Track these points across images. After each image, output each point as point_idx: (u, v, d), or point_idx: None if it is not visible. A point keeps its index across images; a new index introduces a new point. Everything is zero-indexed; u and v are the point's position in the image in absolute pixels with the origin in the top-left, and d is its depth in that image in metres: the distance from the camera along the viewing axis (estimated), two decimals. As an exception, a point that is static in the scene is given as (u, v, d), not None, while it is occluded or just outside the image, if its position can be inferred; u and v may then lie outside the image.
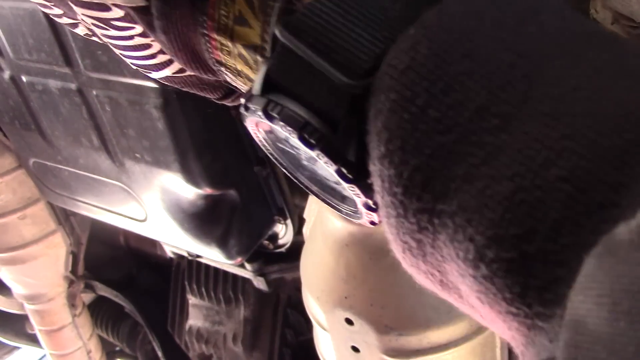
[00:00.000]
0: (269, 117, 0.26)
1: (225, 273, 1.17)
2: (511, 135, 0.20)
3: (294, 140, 0.25)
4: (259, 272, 1.04)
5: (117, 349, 1.56)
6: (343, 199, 0.31)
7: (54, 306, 1.28)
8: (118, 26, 0.32)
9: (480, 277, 0.19)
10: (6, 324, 1.56)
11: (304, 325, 1.17)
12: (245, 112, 0.28)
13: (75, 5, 0.32)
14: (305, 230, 0.81)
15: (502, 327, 0.21)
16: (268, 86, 0.26)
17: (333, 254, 0.64)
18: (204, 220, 0.81)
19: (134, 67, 0.36)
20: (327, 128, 0.24)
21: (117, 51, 0.35)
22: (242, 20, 0.29)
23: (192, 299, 1.24)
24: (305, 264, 0.72)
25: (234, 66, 0.31)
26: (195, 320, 1.24)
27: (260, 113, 0.26)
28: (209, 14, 0.29)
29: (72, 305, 1.31)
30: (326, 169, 0.26)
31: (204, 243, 0.84)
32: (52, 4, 0.34)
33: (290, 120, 0.25)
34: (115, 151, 0.77)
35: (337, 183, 0.27)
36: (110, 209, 0.92)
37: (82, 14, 0.32)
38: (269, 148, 0.31)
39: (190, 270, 1.22)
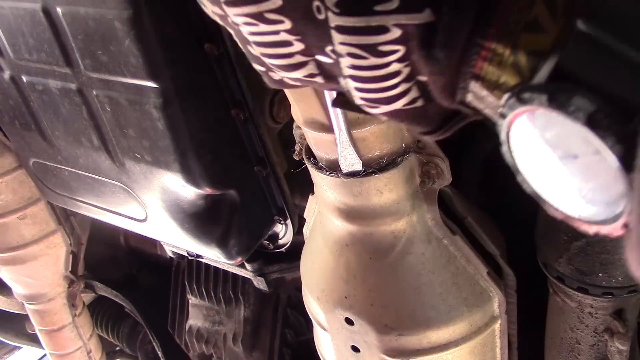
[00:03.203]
0: (556, 103, 0.26)
1: (225, 273, 1.17)
2: None
3: (577, 128, 0.26)
4: (259, 272, 1.04)
5: (117, 349, 1.57)
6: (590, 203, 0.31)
7: (54, 306, 1.28)
8: (382, 51, 0.32)
9: None
10: (6, 324, 1.57)
11: (304, 325, 1.17)
12: (517, 104, 0.28)
13: (341, 32, 0.31)
14: (305, 230, 0.81)
15: None
16: (552, 78, 0.27)
17: (333, 254, 0.64)
18: (204, 220, 0.81)
19: (361, 101, 0.36)
20: (620, 116, 0.25)
21: (352, 84, 0.35)
22: (536, 25, 0.29)
23: (192, 299, 1.24)
24: (305, 264, 0.72)
25: (495, 78, 0.31)
26: (195, 320, 1.24)
27: (544, 99, 0.27)
28: (495, 22, 0.30)
29: (72, 305, 1.31)
30: (602, 161, 0.26)
31: (204, 243, 0.84)
32: (297, 37, 0.33)
33: (580, 105, 0.26)
34: (115, 151, 0.77)
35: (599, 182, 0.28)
36: (111, 209, 0.92)
37: (342, 43, 0.32)
38: (513, 149, 0.31)
39: (190, 270, 1.22)
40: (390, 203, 0.58)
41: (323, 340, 0.74)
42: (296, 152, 0.66)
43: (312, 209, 0.75)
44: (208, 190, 0.76)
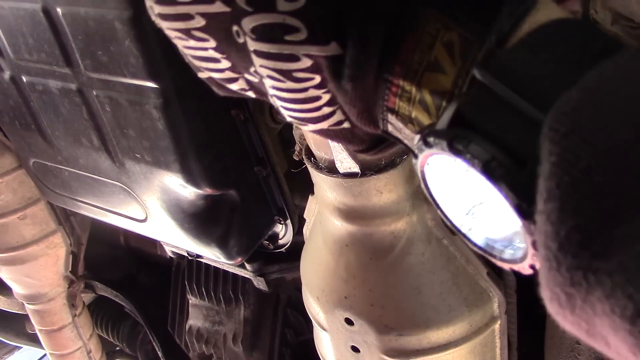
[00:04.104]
0: (454, 150, 0.27)
1: (225, 273, 1.17)
2: None
3: (474, 174, 0.27)
4: (259, 272, 1.04)
5: (117, 349, 1.56)
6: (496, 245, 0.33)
7: (54, 306, 1.28)
8: (298, 77, 0.32)
9: (637, 333, 0.20)
10: (6, 324, 1.57)
11: (304, 325, 1.17)
12: (423, 147, 0.29)
13: (259, 57, 0.32)
14: (305, 230, 0.81)
15: None
16: (454, 122, 0.28)
17: (333, 254, 0.64)
18: (204, 220, 0.81)
19: (289, 119, 0.37)
20: (515, 165, 0.26)
21: (278, 102, 0.35)
22: (437, 66, 0.30)
23: (192, 299, 1.24)
24: (305, 264, 0.72)
25: (407, 113, 0.32)
26: (195, 320, 1.24)
27: (444, 145, 0.28)
28: (400, 60, 0.31)
29: (72, 305, 1.31)
30: (501, 205, 0.27)
31: (204, 243, 0.84)
32: (224, 56, 0.34)
33: (476, 153, 0.27)
34: (115, 151, 0.77)
35: (505, 224, 0.29)
36: (111, 209, 0.92)
37: (261, 66, 0.33)
38: (431, 186, 0.32)
39: (190, 270, 1.22)
40: (390, 203, 0.58)
41: (323, 340, 0.74)
42: (296, 152, 0.66)
43: (312, 209, 0.75)
44: (208, 190, 0.76)
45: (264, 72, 0.33)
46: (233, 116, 0.75)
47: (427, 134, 0.29)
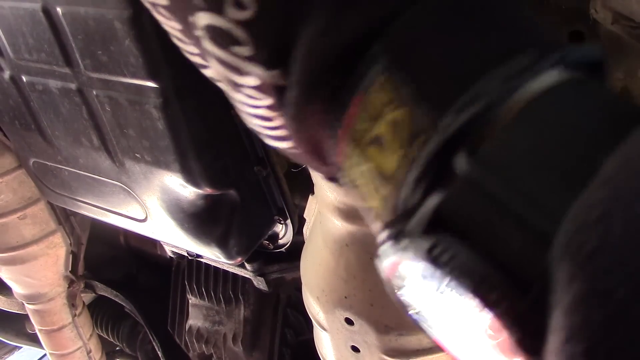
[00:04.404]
0: (434, 264, 0.22)
1: (225, 273, 1.17)
2: None
3: (459, 294, 0.21)
4: (259, 272, 1.04)
5: (117, 349, 1.56)
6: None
7: (54, 306, 1.28)
8: (248, 94, 0.30)
9: None
10: (6, 323, 1.57)
11: (304, 325, 1.17)
12: (392, 250, 0.24)
13: (212, 58, 0.30)
14: (305, 230, 0.81)
15: None
16: (432, 224, 0.22)
17: (333, 254, 0.64)
18: (204, 220, 0.81)
19: (253, 129, 0.34)
20: (514, 287, 0.20)
21: (238, 107, 0.33)
22: (380, 143, 0.25)
23: (192, 299, 1.24)
24: (305, 264, 0.72)
25: (354, 179, 0.28)
26: (195, 320, 1.24)
27: (421, 255, 0.22)
28: (345, 124, 0.27)
29: (72, 305, 1.31)
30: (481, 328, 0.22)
31: (204, 243, 0.84)
32: (190, 41, 0.31)
33: (464, 270, 0.21)
34: (115, 151, 0.77)
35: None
36: (111, 209, 0.92)
37: (216, 68, 0.30)
38: (403, 293, 0.27)
39: (190, 270, 1.22)
40: (390, 203, 0.58)
41: (323, 340, 0.74)
42: (296, 152, 0.66)
43: (312, 209, 0.75)
44: (208, 190, 0.76)
45: (219, 76, 0.31)
46: (233, 116, 0.75)
47: (397, 235, 0.23)
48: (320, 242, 0.67)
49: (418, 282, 0.24)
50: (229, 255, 0.86)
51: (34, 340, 1.49)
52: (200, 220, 0.81)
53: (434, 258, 0.22)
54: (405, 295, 0.26)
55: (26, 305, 1.29)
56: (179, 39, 0.33)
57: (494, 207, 0.21)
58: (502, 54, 0.23)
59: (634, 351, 0.16)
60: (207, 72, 0.33)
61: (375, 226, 0.27)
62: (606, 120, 0.21)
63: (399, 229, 0.24)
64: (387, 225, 0.25)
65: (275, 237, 0.96)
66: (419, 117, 0.24)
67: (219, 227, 0.83)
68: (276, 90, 0.28)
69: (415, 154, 0.23)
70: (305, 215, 0.79)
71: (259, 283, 1.07)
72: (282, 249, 0.97)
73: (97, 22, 0.63)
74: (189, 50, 0.33)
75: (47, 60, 0.73)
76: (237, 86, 0.30)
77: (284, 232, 0.94)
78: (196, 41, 0.30)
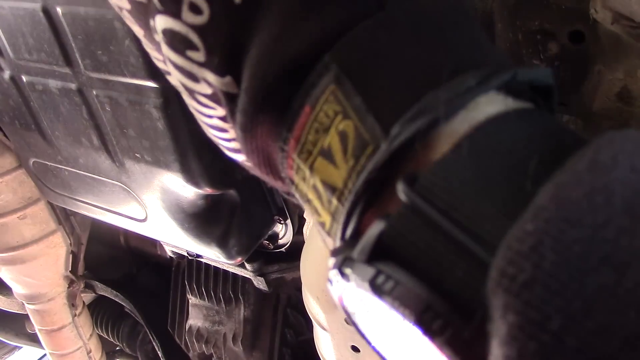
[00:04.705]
0: (377, 292, 0.21)
1: (225, 273, 1.17)
2: None
3: (405, 321, 0.21)
4: (259, 272, 1.04)
5: (117, 349, 1.56)
6: None
7: (54, 306, 1.28)
8: (201, 101, 0.29)
9: None
10: (6, 323, 1.57)
11: (304, 325, 1.17)
12: (339, 278, 0.24)
13: (170, 63, 0.29)
14: (305, 230, 0.81)
15: None
16: (375, 252, 0.22)
17: (333, 254, 0.64)
18: (204, 220, 0.81)
19: (211, 140, 0.33)
20: (457, 315, 0.20)
21: (195, 116, 0.32)
22: (329, 155, 0.25)
23: (192, 299, 1.24)
24: (305, 264, 0.72)
25: (304, 193, 0.27)
26: (195, 320, 1.24)
27: (365, 285, 0.22)
28: (295, 134, 0.26)
29: (72, 305, 1.31)
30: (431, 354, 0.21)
31: (204, 243, 0.84)
32: (152, 46, 0.31)
33: (406, 300, 0.21)
34: (115, 151, 0.77)
35: None
36: (110, 209, 0.92)
37: (173, 74, 0.30)
38: (355, 319, 0.26)
39: (190, 270, 1.22)
40: (390, 203, 0.58)
41: (323, 340, 0.74)
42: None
43: (312, 209, 0.75)
44: (208, 190, 0.76)
45: (176, 82, 0.30)
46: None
47: (343, 264, 0.23)
48: (321, 242, 0.67)
49: (364, 310, 0.24)
50: (229, 255, 0.86)
51: (34, 340, 1.49)
52: (200, 220, 0.81)
53: (377, 287, 0.21)
54: (357, 320, 0.26)
55: (26, 305, 1.29)
56: (146, 44, 0.32)
57: (436, 235, 0.21)
58: (451, 71, 0.23)
59: None
60: (170, 79, 0.33)
61: (328, 242, 0.27)
62: (545, 150, 0.21)
63: (344, 256, 0.23)
64: (334, 253, 0.24)
65: (275, 237, 0.96)
66: (366, 128, 0.23)
67: (219, 227, 0.83)
68: (229, 100, 0.28)
69: (362, 165, 0.23)
70: (305, 215, 0.79)
71: (259, 283, 1.07)
72: (282, 249, 0.97)
73: (97, 22, 0.63)
74: (154, 55, 0.32)
75: (47, 60, 0.73)
76: (192, 93, 0.29)
77: (284, 232, 0.94)
78: (157, 46, 0.30)
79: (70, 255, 1.25)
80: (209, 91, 0.28)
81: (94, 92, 0.72)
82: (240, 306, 1.17)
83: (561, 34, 0.57)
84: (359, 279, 0.22)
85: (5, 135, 0.97)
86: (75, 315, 1.32)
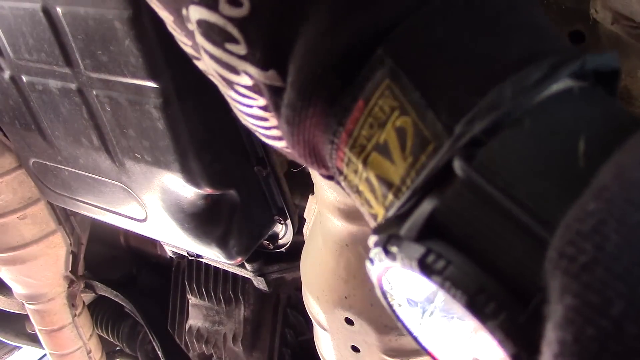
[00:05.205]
0: (427, 272, 0.21)
1: (225, 273, 1.17)
2: None
3: (456, 304, 0.20)
4: (259, 272, 1.04)
5: (117, 349, 1.56)
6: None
7: (54, 306, 1.28)
8: (241, 92, 0.29)
9: None
10: (6, 323, 1.57)
11: (304, 325, 1.17)
12: (383, 256, 0.23)
13: (205, 53, 0.28)
14: (305, 230, 0.81)
15: None
16: (426, 230, 0.21)
17: (333, 254, 0.64)
18: (204, 220, 0.81)
19: (246, 127, 0.33)
20: (512, 298, 0.19)
21: (231, 104, 0.32)
22: (385, 151, 0.24)
23: (192, 299, 1.24)
24: (305, 264, 0.72)
25: (355, 183, 0.27)
26: (195, 320, 1.24)
27: (414, 263, 0.21)
28: (347, 128, 0.25)
29: (72, 305, 1.31)
30: (485, 339, 0.20)
31: (204, 243, 0.84)
32: (182, 33, 0.30)
33: (458, 280, 0.20)
34: (115, 151, 0.77)
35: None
36: (110, 209, 0.92)
37: (209, 64, 0.29)
38: (392, 300, 0.26)
39: (190, 270, 1.22)
40: (390, 203, 0.58)
41: (323, 340, 0.74)
42: (296, 152, 0.66)
43: (312, 209, 0.75)
44: (208, 190, 0.76)
45: (212, 71, 0.30)
46: (233, 116, 0.75)
47: (389, 242, 0.22)
48: (320, 242, 0.67)
49: (407, 290, 0.23)
50: (229, 255, 0.86)
51: (34, 340, 1.49)
52: (200, 220, 0.81)
53: (426, 266, 0.21)
54: (395, 301, 0.25)
55: (26, 305, 1.29)
56: (173, 28, 0.31)
57: (492, 213, 0.20)
58: (517, 61, 0.22)
59: (620, 357, 0.15)
60: (200, 65, 0.32)
61: (371, 240, 0.27)
62: (606, 130, 0.21)
63: (390, 233, 0.23)
64: (378, 229, 0.24)
65: (275, 237, 0.96)
66: (426, 125, 0.22)
67: (219, 227, 0.83)
68: (272, 92, 0.27)
69: (423, 163, 0.22)
70: (305, 215, 0.79)
71: (259, 283, 1.07)
72: (282, 249, 0.97)
73: (97, 22, 0.63)
74: (182, 40, 0.32)
75: (47, 60, 0.73)
76: (230, 84, 0.29)
77: (284, 232, 0.94)
78: (189, 33, 0.29)
79: (70, 256, 1.25)
80: (249, 83, 0.28)
81: (94, 92, 0.72)
82: (240, 306, 1.17)
83: (561, 34, 0.57)
84: (407, 258, 0.21)
85: (5, 135, 0.97)
86: (75, 315, 1.32)
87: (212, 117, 0.73)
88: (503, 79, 0.21)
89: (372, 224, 0.27)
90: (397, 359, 0.64)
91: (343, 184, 0.28)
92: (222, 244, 0.84)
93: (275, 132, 0.30)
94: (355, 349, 0.68)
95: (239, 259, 0.88)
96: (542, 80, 0.21)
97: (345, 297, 0.64)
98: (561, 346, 0.16)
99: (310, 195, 0.75)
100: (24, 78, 0.79)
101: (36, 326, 1.32)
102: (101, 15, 0.62)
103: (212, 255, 0.87)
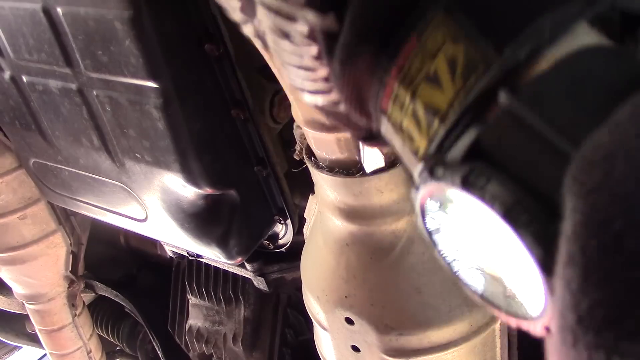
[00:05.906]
0: (469, 188, 0.23)
1: (225, 273, 1.17)
2: None
3: (489, 215, 0.23)
4: (259, 272, 1.04)
5: (117, 349, 1.57)
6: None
7: (54, 306, 1.28)
8: (294, 41, 0.30)
9: None
10: (7, 323, 1.57)
11: (304, 325, 1.17)
12: (428, 178, 0.25)
13: (261, 5, 0.30)
14: (305, 230, 0.81)
15: None
16: (469, 155, 0.24)
17: (333, 253, 0.64)
18: (204, 220, 0.81)
19: (293, 84, 0.34)
20: (545, 212, 0.22)
21: (282, 58, 0.33)
22: (435, 80, 0.26)
23: (192, 299, 1.24)
24: (305, 264, 0.72)
25: (399, 120, 0.29)
26: (195, 320, 1.24)
27: (457, 180, 0.24)
28: (398, 63, 0.28)
29: (72, 305, 1.31)
30: (522, 256, 0.23)
31: (204, 243, 0.84)
32: None
33: (497, 194, 0.22)
34: (115, 151, 0.77)
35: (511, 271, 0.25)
36: (111, 209, 0.92)
37: (262, 18, 0.31)
38: (429, 224, 0.28)
39: (190, 270, 1.22)
40: (390, 203, 0.58)
41: (323, 340, 0.74)
42: (297, 151, 0.66)
43: (312, 208, 0.75)
44: (208, 190, 0.76)
45: (264, 25, 0.31)
46: (233, 116, 0.75)
47: (435, 164, 0.25)
48: (321, 242, 0.67)
49: (451, 207, 0.26)
50: (229, 255, 0.86)
51: (34, 340, 1.49)
52: (200, 220, 0.81)
53: (469, 184, 0.23)
54: (435, 231, 0.28)
55: (26, 305, 1.29)
56: None
57: (532, 138, 0.22)
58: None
59: (625, 279, 0.18)
60: (247, 29, 0.34)
61: (417, 168, 0.29)
62: (629, 77, 0.23)
63: (436, 159, 0.25)
64: (425, 157, 0.26)
65: (275, 237, 0.96)
66: (477, 49, 0.25)
67: (219, 227, 0.83)
68: (325, 37, 0.29)
69: (471, 85, 0.25)
70: (305, 215, 0.79)
71: (259, 283, 1.07)
72: (282, 249, 0.97)
73: (98, 22, 0.63)
74: (230, 4, 0.33)
75: (48, 60, 0.73)
76: (284, 35, 0.30)
77: (284, 232, 0.94)
78: None
79: (70, 255, 1.25)
80: (305, 30, 0.29)
81: (94, 92, 0.72)
82: (240, 306, 1.17)
83: None
84: (451, 177, 0.24)
85: (5, 135, 0.97)
86: (75, 315, 1.32)
87: (212, 117, 0.73)
88: (545, 11, 0.24)
89: (412, 161, 0.29)
90: (397, 358, 0.64)
91: (384, 127, 0.30)
92: (222, 243, 0.84)
93: (321, 86, 0.32)
94: (355, 348, 0.68)
95: (239, 259, 0.88)
96: (577, 14, 0.24)
97: (346, 296, 0.64)
98: (569, 256, 0.19)
99: (310, 195, 0.76)
100: (24, 78, 0.79)
101: (36, 326, 1.32)
102: (101, 16, 0.62)
103: (212, 255, 0.87)
